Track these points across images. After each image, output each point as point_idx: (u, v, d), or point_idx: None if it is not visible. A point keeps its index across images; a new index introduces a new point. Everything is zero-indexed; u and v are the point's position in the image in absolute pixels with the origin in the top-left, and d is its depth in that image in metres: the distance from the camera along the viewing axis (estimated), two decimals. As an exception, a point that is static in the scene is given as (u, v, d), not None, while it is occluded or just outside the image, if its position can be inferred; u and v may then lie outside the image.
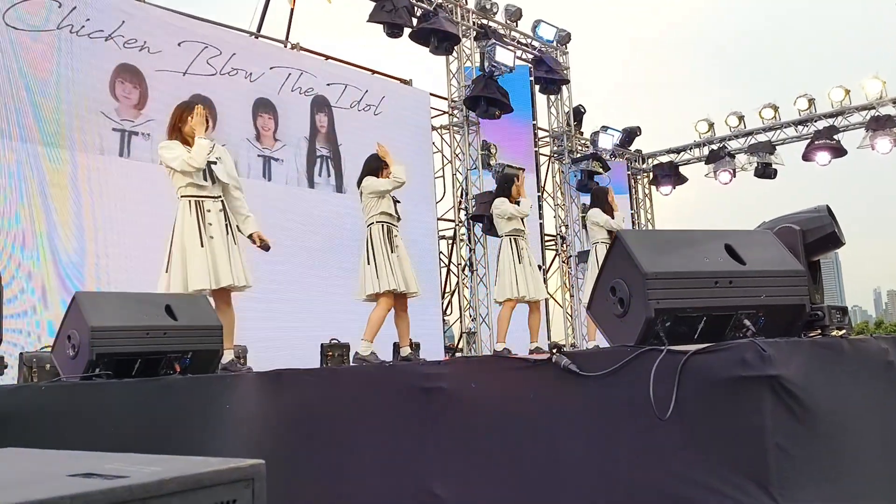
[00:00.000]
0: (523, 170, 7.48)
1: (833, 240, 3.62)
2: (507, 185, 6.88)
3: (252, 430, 4.33)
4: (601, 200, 7.15)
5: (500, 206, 6.80)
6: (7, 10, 7.98)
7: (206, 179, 4.24)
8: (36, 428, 3.89)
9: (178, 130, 4.32)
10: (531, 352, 7.06)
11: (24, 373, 6.32)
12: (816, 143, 13.78)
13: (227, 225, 4.32)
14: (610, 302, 3.33)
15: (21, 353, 6.72)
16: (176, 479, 1.17)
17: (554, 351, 3.37)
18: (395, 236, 5.60)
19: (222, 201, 4.30)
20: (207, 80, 9.67)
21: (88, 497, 1.08)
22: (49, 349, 5.27)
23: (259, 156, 10.12)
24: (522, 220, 6.93)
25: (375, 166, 5.76)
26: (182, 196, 4.25)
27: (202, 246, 4.15)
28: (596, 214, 7.01)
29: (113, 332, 4.24)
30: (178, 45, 9.45)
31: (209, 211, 4.20)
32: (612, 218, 7.02)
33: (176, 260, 4.19)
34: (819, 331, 3.51)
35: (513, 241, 6.76)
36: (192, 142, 4.22)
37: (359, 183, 5.76)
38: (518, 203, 6.78)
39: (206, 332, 4.61)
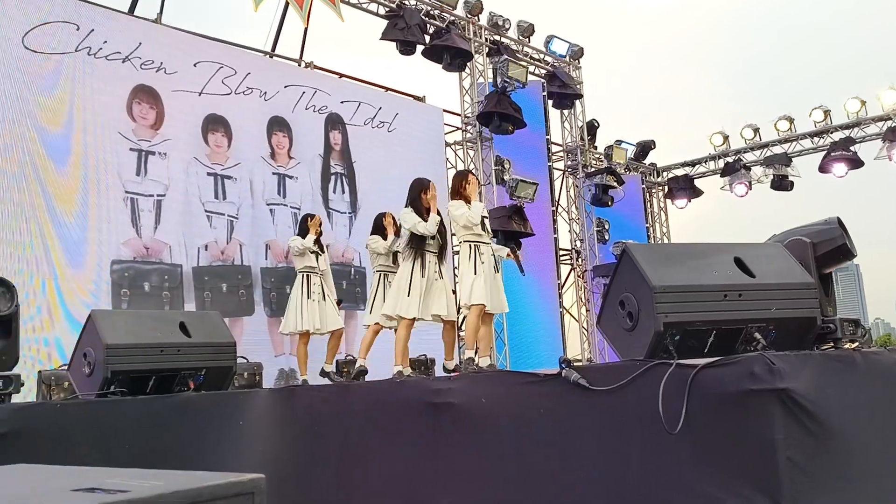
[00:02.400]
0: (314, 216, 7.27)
1: (844, 252, 3.60)
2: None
3: (264, 445, 4.35)
4: (379, 227, 6.92)
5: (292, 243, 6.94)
6: (26, 33, 8.13)
7: (483, 229, 5.30)
8: (52, 444, 3.93)
9: (459, 193, 5.38)
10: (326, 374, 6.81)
11: (43, 390, 6.39)
12: (833, 154, 13.69)
13: (496, 265, 5.51)
14: (619, 316, 3.34)
15: (40, 371, 6.80)
16: (175, 493, 1.19)
17: (563, 366, 3.37)
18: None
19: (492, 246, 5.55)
20: (223, 100, 9.78)
21: (89, 511, 1.10)
22: (67, 367, 5.33)
23: (274, 173, 10.20)
24: (317, 258, 6.90)
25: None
26: (464, 241, 5.25)
27: (477, 276, 5.14)
28: (375, 241, 6.81)
29: (128, 350, 4.29)
30: (194, 65, 9.57)
31: (483, 253, 5.23)
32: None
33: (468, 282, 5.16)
34: (831, 343, 3.48)
35: (305, 276, 6.80)
36: (470, 202, 5.30)
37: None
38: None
39: (220, 349, 4.65)
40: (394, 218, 6.81)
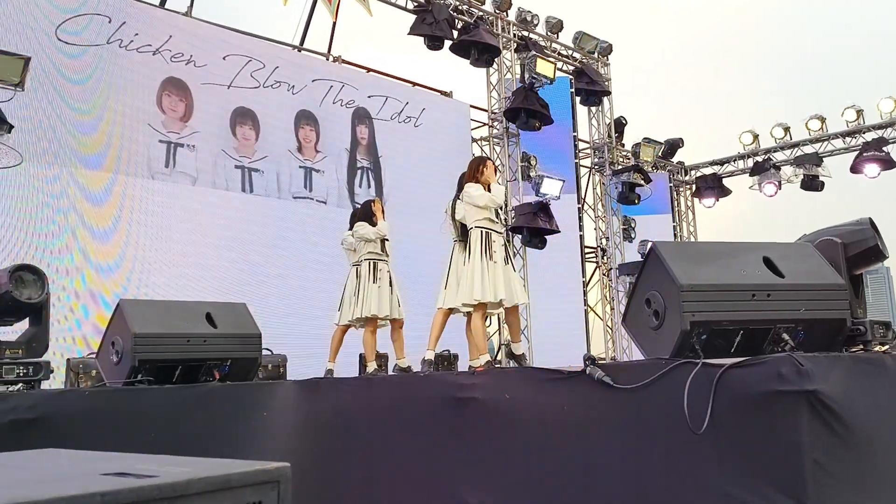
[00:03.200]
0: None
1: (875, 253, 3.54)
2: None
3: (288, 436, 4.39)
4: (367, 213, 6.44)
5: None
6: (59, 25, 8.25)
7: (497, 217, 5.19)
8: (79, 431, 4.00)
9: (475, 178, 5.24)
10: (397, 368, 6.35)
11: (71, 378, 6.49)
12: (865, 154, 13.47)
13: (506, 255, 5.19)
14: (645, 314, 3.31)
15: (68, 359, 6.90)
16: (203, 479, 1.20)
17: (588, 363, 3.36)
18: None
19: (505, 235, 5.33)
20: (251, 93, 9.86)
21: (119, 494, 1.12)
22: (94, 355, 5.41)
23: (301, 167, 10.27)
24: (382, 245, 6.48)
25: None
26: (476, 227, 5.08)
27: (487, 268, 4.98)
28: (363, 227, 6.32)
29: (155, 339, 4.34)
30: (224, 58, 9.65)
31: (494, 241, 5.07)
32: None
33: (474, 275, 4.99)
34: (861, 346, 3.43)
35: (372, 264, 6.36)
36: (487, 188, 5.19)
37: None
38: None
39: (245, 340, 4.69)
40: (383, 205, 6.66)
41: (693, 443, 2.87)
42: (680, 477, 2.98)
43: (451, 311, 5.39)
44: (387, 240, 6.47)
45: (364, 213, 6.54)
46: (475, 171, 5.32)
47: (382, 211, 6.53)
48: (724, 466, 2.86)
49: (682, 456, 2.96)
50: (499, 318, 12.55)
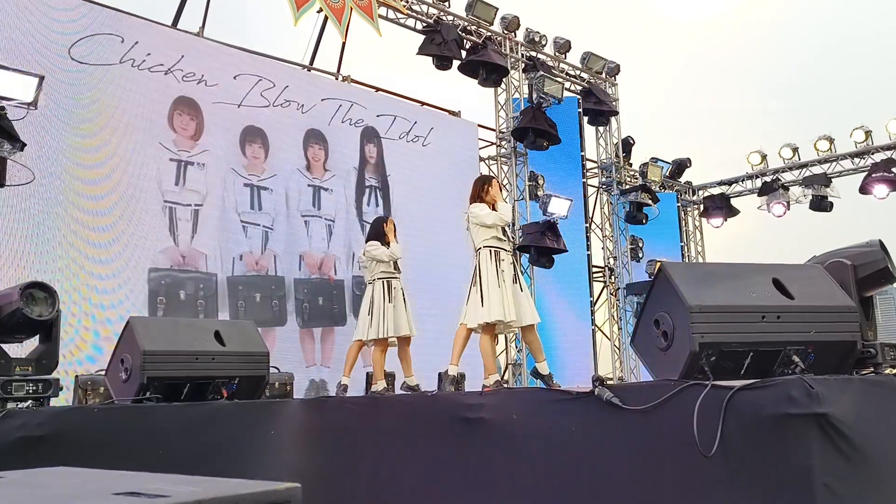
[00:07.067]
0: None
1: (886, 275, 3.53)
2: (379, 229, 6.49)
3: (295, 454, 4.38)
4: (379, 232, 6.34)
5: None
6: (72, 44, 8.34)
7: (504, 235, 5.18)
8: (88, 448, 4.00)
9: (480, 198, 5.27)
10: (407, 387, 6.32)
11: (80, 395, 6.50)
12: (874, 175, 13.46)
13: (514, 273, 5.16)
14: (654, 335, 3.31)
15: (77, 376, 6.91)
16: (214, 499, 1.21)
17: (596, 384, 3.35)
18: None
19: (514, 254, 5.38)
20: (261, 112, 9.92)
21: (131, 514, 1.12)
22: (104, 372, 5.42)
23: (309, 185, 10.31)
24: (394, 264, 6.38)
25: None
26: (484, 247, 5.08)
27: (498, 286, 4.95)
28: (374, 247, 6.24)
29: (164, 357, 4.35)
30: (234, 78, 9.73)
31: (503, 260, 5.07)
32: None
33: (485, 294, 4.98)
34: (871, 368, 3.41)
35: (386, 283, 6.27)
36: (493, 206, 5.19)
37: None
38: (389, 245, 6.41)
39: (253, 359, 4.70)
40: (395, 224, 6.60)
41: (702, 465, 2.85)
42: (690, 499, 2.96)
43: (470, 330, 5.22)
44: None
45: (376, 232, 6.44)
46: (480, 191, 5.31)
47: (395, 231, 6.45)
48: (734, 489, 2.84)
49: (692, 478, 2.94)
50: (506, 338, 12.52)
